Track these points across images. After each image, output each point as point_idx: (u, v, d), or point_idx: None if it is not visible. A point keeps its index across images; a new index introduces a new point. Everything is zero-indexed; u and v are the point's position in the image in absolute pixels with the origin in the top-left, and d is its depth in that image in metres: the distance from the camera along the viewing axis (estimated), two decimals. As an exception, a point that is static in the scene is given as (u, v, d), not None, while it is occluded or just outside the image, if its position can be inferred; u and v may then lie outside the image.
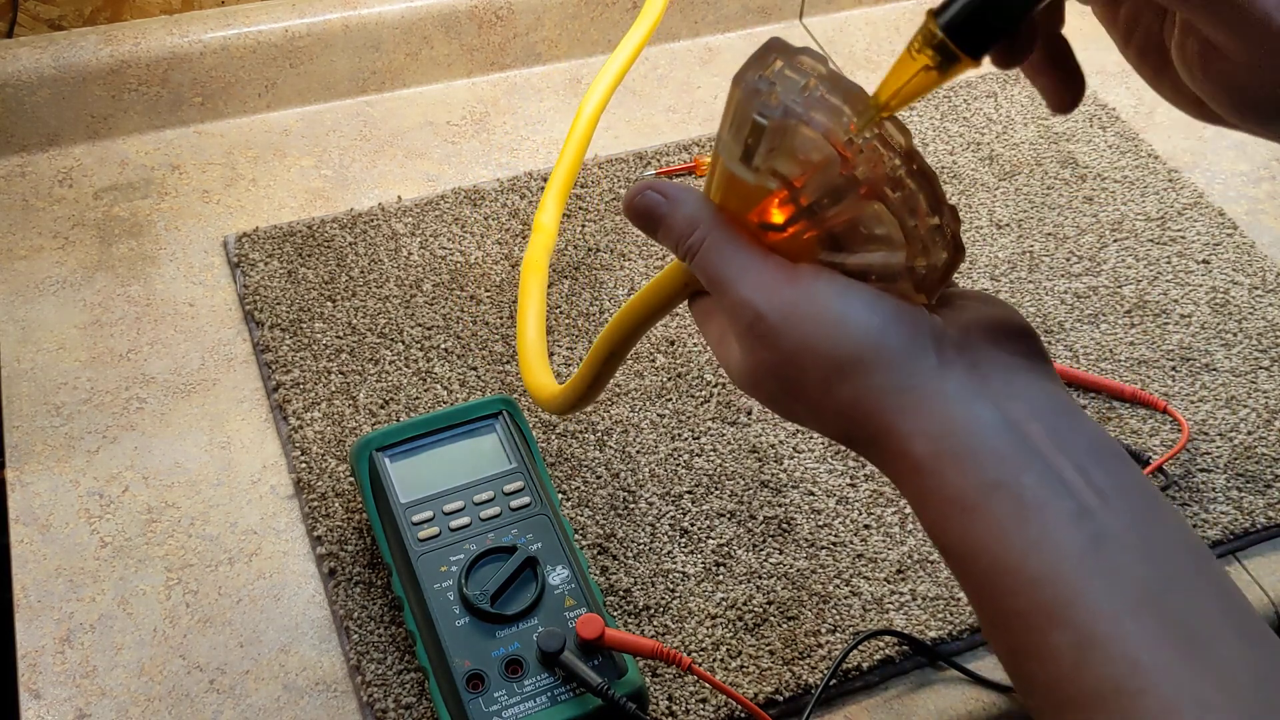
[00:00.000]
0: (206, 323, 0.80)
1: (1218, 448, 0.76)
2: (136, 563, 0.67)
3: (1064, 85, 0.44)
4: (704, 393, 0.77)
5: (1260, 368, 0.81)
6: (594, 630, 0.59)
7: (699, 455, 0.74)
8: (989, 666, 0.65)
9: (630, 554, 0.69)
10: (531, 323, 0.69)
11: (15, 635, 0.64)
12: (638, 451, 0.74)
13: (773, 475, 0.73)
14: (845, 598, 0.67)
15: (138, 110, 0.91)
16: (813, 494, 0.72)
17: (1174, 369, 0.80)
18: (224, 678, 0.63)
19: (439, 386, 0.76)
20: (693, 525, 0.70)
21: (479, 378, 0.77)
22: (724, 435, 0.75)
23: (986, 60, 0.39)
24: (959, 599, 0.68)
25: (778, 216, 0.41)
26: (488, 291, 0.82)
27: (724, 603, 0.67)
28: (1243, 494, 0.73)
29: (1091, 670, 0.34)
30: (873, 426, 0.40)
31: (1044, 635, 0.35)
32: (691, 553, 0.69)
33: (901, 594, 0.68)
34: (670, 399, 0.77)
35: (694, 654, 0.65)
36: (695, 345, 0.80)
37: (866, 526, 0.71)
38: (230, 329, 0.80)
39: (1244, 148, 0.99)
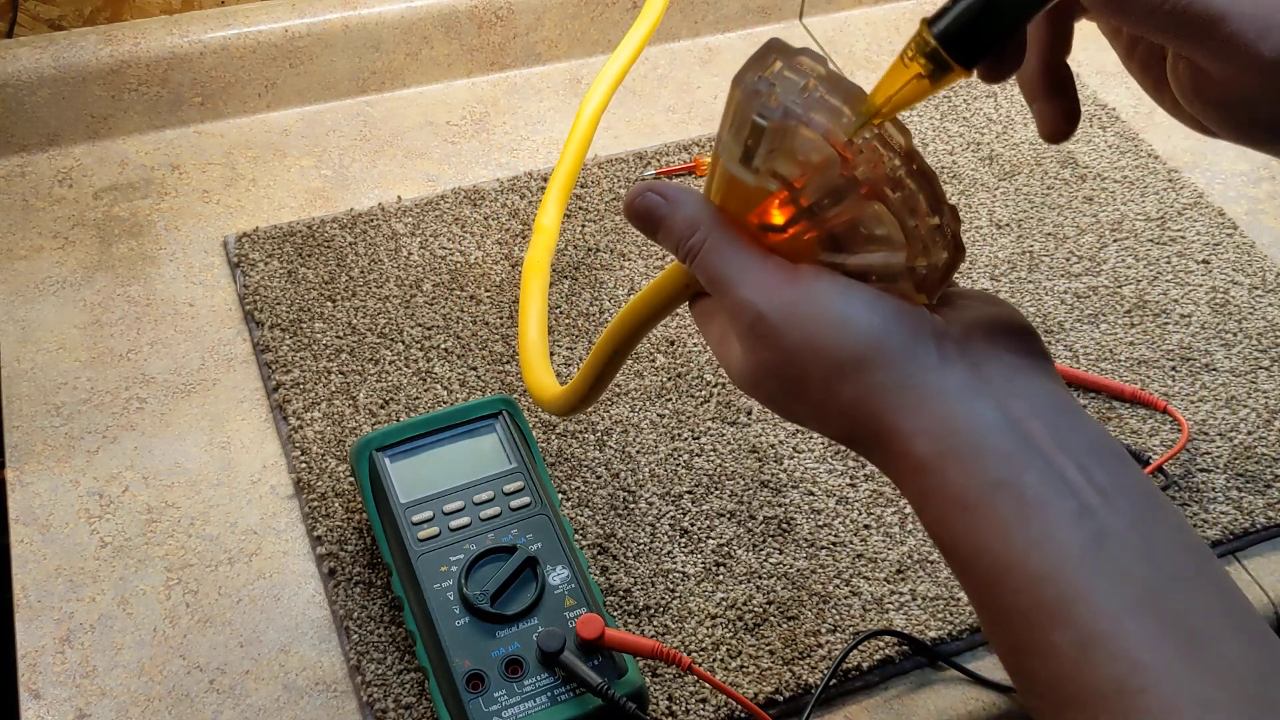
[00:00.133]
0: (206, 323, 0.80)
1: (1218, 448, 0.76)
2: (136, 563, 0.67)
3: (1061, 113, 0.44)
4: (704, 393, 0.77)
5: (1260, 368, 0.81)
6: (594, 630, 0.59)
7: (699, 455, 0.74)
8: (989, 666, 0.65)
9: (630, 554, 0.69)
10: (533, 323, 0.69)
11: (15, 635, 0.64)
12: (638, 451, 0.74)
13: (773, 475, 0.73)
14: (845, 598, 0.67)
15: (138, 110, 0.91)
16: (813, 494, 0.72)
17: (1174, 369, 0.80)
18: (224, 678, 0.63)
19: (439, 386, 0.76)
20: (693, 525, 0.70)
21: (479, 378, 0.77)
22: (724, 435, 0.75)
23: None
24: (959, 599, 0.68)
25: (778, 217, 0.41)
26: (488, 291, 0.82)
27: (724, 603, 0.67)
28: (1243, 494, 0.73)
29: (1093, 669, 0.34)
30: (874, 426, 0.40)
31: (1045, 634, 0.35)
32: (691, 553, 0.69)
33: (901, 594, 0.68)
34: (670, 399, 0.77)
35: (694, 654, 0.65)
36: (695, 345, 0.80)
37: (866, 526, 0.71)
38: (230, 329, 0.80)
39: (1244, 148, 0.98)
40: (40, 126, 0.89)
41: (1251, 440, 0.76)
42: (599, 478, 0.72)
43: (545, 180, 0.90)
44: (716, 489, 0.72)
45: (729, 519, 0.71)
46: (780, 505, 0.71)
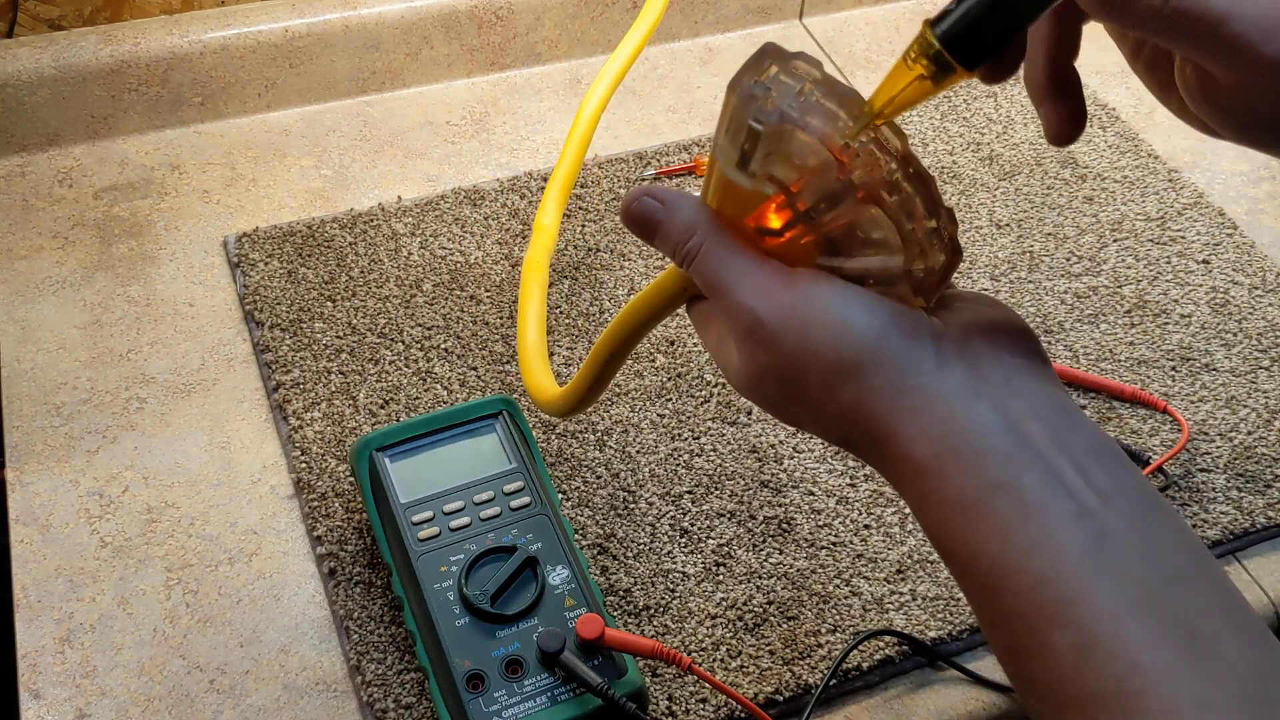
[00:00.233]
0: (206, 323, 0.80)
1: (1218, 448, 0.76)
2: (136, 563, 0.67)
3: (1067, 116, 0.44)
4: (704, 393, 0.77)
5: (1260, 368, 0.81)
6: (594, 630, 0.59)
7: (699, 455, 0.74)
8: (989, 666, 0.66)
9: (630, 554, 0.69)
10: (532, 324, 0.69)
11: (15, 635, 0.64)
12: (638, 451, 0.74)
13: (773, 475, 0.73)
14: (845, 598, 0.67)
15: (138, 110, 0.91)
16: (813, 494, 0.72)
17: (1174, 369, 0.80)
18: (224, 678, 0.63)
19: (439, 386, 0.76)
20: (693, 525, 0.70)
21: (479, 378, 0.77)
22: (724, 435, 0.75)
23: None
24: (959, 599, 0.68)
25: (775, 221, 0.41)
26: (488, 291, 0.82)
27: (724, 603, 0.67)
28: (1243, 494, 0.73)
29: (1092, 671, 0.34)
30: (873, 429, 0.40)
31: (1045, 636, 0.35)
32: (691, 553, 0.69)
33: (901, 594, 0.68)
34: (670, 399, 0.77)
35: (694, 654, 0.65)
36: (695, 345, 0.80)
37: (866, 526, 0.71)
38: (230, 329, 0.80)
39: (1244, 149, 0.98)
40: (40, 126, 0.89)
41: (1251, 440, 0.76)
42: (599, 478, 0.72)
43: (545, 180, 0.90)
44: (716, 489, 0.72)
45: (729, 519, 0.71)
46: (780, 505, 0.71)
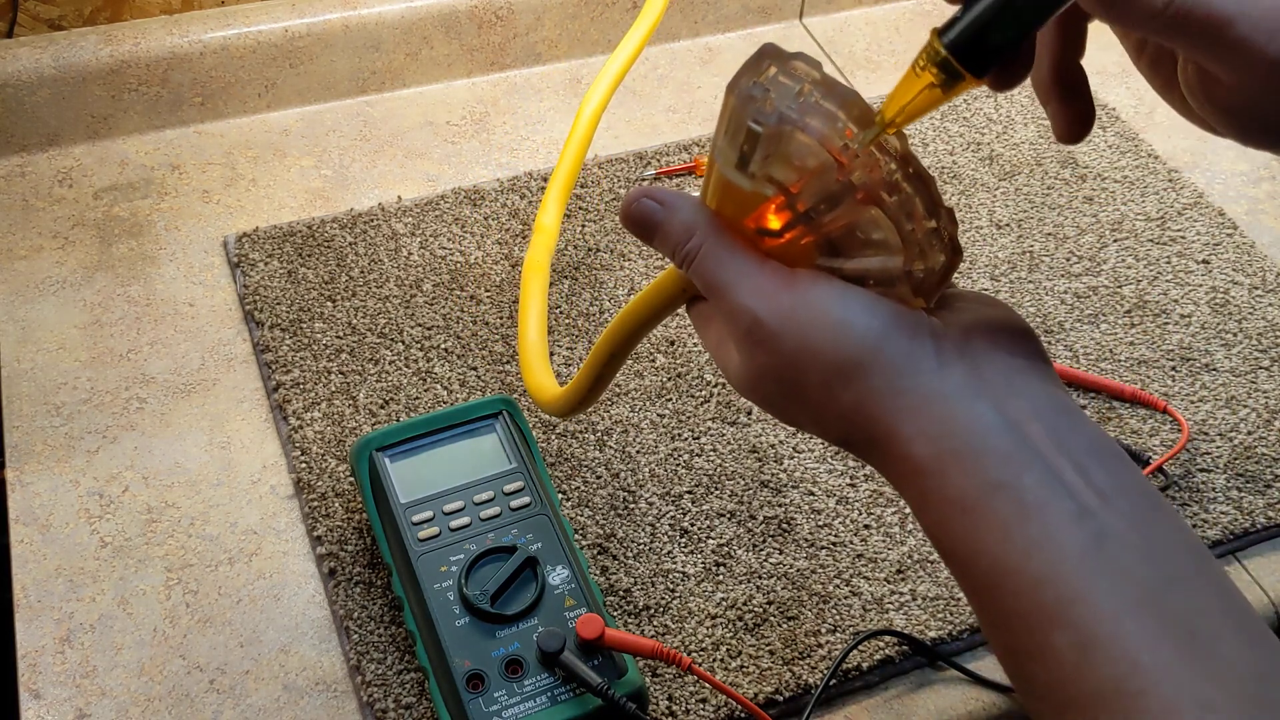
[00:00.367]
0: (206, 323, 0.80)
1: (1218, 448, 0.76)
2: (136, 563, 0.67)
3: (1075, 116, 0.44)
4: (704, 393, 0.77)
5: (1260, 368, 0.81)
6: (594, 630, 0.59)
7: (699, 455, 0.74)
8: (989, 666, 0.66)
9: (630, 554, 0.69)
10: (533, 324, 0.69)
11: (15, 635, 0.64)
12: (638, 451, 0.74)
13: (773, 475, 0.73)
14: (845, 598, 0.67)
15: (138, 110, 0.91)
16: (813, 494, 0.72)
17: (1174, 369, 0.80)
18: (224, 678, 0.63)
19: (439, 386, 0.76)
20: (693, 525, 0.70)
21: (479, 378, 0.77)
22: (724, 435, 0.75)
23: None
24: (959, 599, 0.68)
25: (774, 222, 0.41)
26: (488, 291, 0.82)
27: (724, 603, 0.67)
28: (1243, 494, 0.73)
29: (1092, 671, 0.34)
30: (873, 429, 0.40)
31: (1045, 636, 0.35)
32: (691, 553, 0.69)
33: (901, 594, 0.68)
34: (670, 399, 0.77)
35: (694, 654, 0.65)
36: (695, 345, 0.80)
37: (866, 526, 0.71)
38: (230, 329, 0.80)
39: (1244, 148, 0.98)
40: (40, 126, 0.89)
41: (1251, 440, 0.76)
42: (599, 478, 0.72)
43: (545, 180, 0.90)
44: (716, 489, 0.72)
45: (729, 519, 0.71)
46: (780, 505, 0.71)
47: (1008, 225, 0.90)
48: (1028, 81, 0.42)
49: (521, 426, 0.68)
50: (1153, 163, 0.96)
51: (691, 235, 0.43)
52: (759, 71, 0.40)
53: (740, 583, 0.68)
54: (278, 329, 0.78)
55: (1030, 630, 0.36)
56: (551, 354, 0.78)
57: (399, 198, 0.89)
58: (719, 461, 0.73)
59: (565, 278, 0.84)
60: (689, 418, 0.76)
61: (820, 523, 0.71)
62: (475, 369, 0.77)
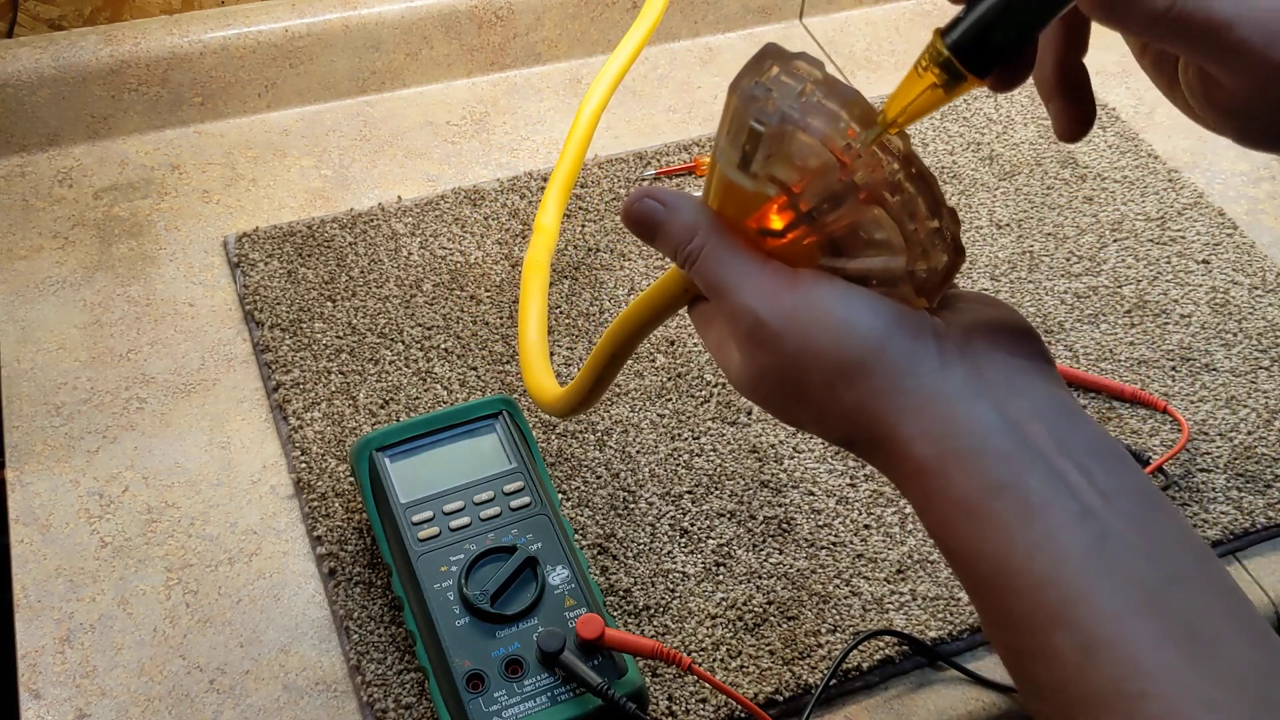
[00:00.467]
0: (206, 323, 0.80)
1: (1218, 448, 0.76)
2: (136, 563, 0.67)
3: (1076, 114, 0.44)
4: (704, 393, 0.77)
5: (1260, 368, 0.81)
6: (594, 630, 0.59)
7: (699, 455, 0.74)
8: (989, 666, 0.66)
9: (630, 554, 0.69)
10: (533, 324, 0.69)
11: (15, 635, 0.64)
12: (638, 451, 0.74)
13: (773, 475, 0.73)
14: (845, 598, 0.67)
15: (138, 110, 0.91)
16: (813, 494, 0.72)
17: (1174, 369, 0.80)
18: (224, 678, 0.63)
19: (439, 386, 0.76)
20: (693, 525, 0.70)
21: (479, 378, 0.77)
22: (724, 435, 0.75)
23: None
24: (959, 599, 0.68)
25: (776, 222, 0.41)
26: (488, 291, 0.82)
27: (724, 603, 0.67)
28: (1243, 494, 0.73)
29: (1095, 672, 0.34)
30: (875, 429, 0.40)
31: (1047, 637, 0.35)
32: (691, 553, 0.69)
33: (901, 594, 0.68)
34: (670, 399, 0.77)
35: (694, 654, 0.65)
36: (695, 345, 0.80)
37: (866, 526, 0.71)
38: (230, 329, 0.80)
39: (1244, 148, 0.98)
40: (40, 126, 0.89)
41: (1251, 440, 0.76)
42: (599, 478, 0.72)
43: (545, 180, 0.90)
44: (716, 489, 0.72)
45: (729, 519, 0.71)
46: (780, 505, 0.71)
47: (1008, 225, 0.90)
48: (1028, 81, 0.42)
49: (521, 426, 0.68)
50: (1153, 163, 0.96)
51: (693, 236, 0.43)
52: (761, 71, 0.40)
53: (740, 583, 0.68)
54: (278, 329, 0.78)
55: (1033, 631, 0.36)
56: (551, 354, 0.78)
57: (399, 198, 0.89)
58: (719, 461, 0.73)
59: (565, 278, 0.84)
60: (689, 418, 0.76)
61: (820, 523, 0.71)
62: (475, 369, 0.77)
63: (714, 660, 0.65)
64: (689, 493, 0.72)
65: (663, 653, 0.59)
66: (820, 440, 0.75)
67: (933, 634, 0.66)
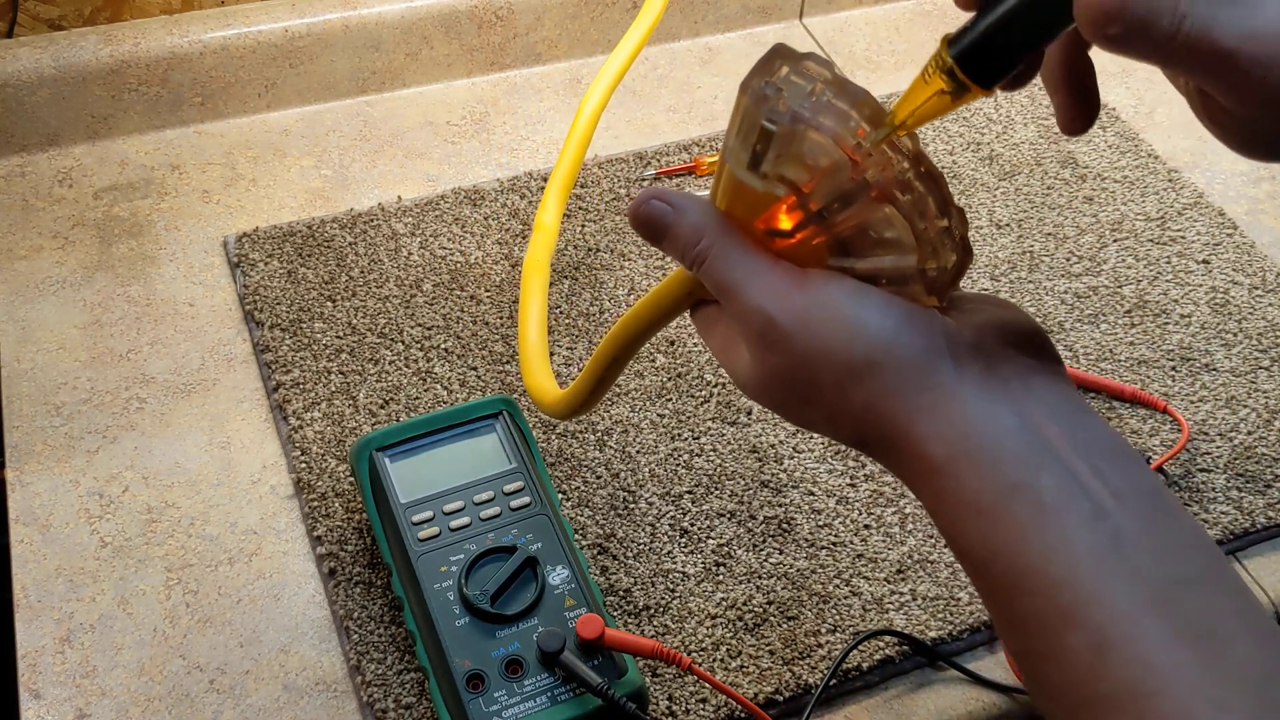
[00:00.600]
0: (206, 323, 0.80)
1: (1218, 448, 0.76)
2: (136, 563, 0.67)
3: (1080, 107, 0.44)
4: (704, 393, 0.77)
5: (1260, 368, 0.81)
6: (594, 630, 0.59)
7: (699, 455, 0.74)
8: (989, 666, 0.66)
9: (630, 554, 0.69)
10: (533, 325, 0.69)
11: (15, 635, 0.64)
12: (638, 451, 0.74)
13: (773, 475, 0.73)
14: (845, 598, 0.67)
15: (138, 110, 0.91)
16: (813, 494, 0.72)
17: (1174, 369, 0.80)
18: (224, 678, 0.63)
19: (439, 386, 0.76)
20: (693, 525, 0.70)
21: (479, 378, 0.77)
22: (724, 435, 0.75)
23: None
24: (959, 599, 0.68)
25: (786, 222, 0.41)
26: (488, 291, 0.82)
27: (724, 603, 0.67)
28: (1243, 494, 0.73)
29: (1108, 672, 0.34)
30: (887, 430, 0.40)
31: (1060, 637, 0.35)
32: (691, 553, 0.69)
33: (901, 594, 0.68)
34: (670, 399, 0.77)
35: (694, 654, 0.65)
36: (695, 345, 0.80)
37: (866, 526, 0.71)
38: (230, 329, 0.80)
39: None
40: (40, 126, 0.89)
41: (1251, 440, 0.76)
42: (599, 478, 0.72)
43: (545, 180, 0.90)
44: (716, 489, 0.72)
45: (729, 519, 0.71)
46: (780, 505, 0.71)
47: (1008, 225, 0.90)
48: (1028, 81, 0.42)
49: (521, 426, 0.68)
50: (1153, 163, 0.96)
51: (702, 237, 0.43)
52: (771, 71, 0.40)
53: (740, 583, 0.68)
54: (278, 329, 0.78)
55: (1045, 631, 0.36)
56: (551, 354, 0.78)
57: (399, 198, 0.89)
58: (719, 461, 0.73)
59: (565, 278, 0.84)
60: (689, 418, 0.76)
61: (820, 523, 0.71)
62: (475, 369, 0.77)
63: (714, 660, 0.65)
64: (689, 493, 0.72)
65: (663, 653, 0.59)
66: (820, 440, 0.75)
67: (933, 634, 0.66)
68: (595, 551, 0.69)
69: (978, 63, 0.38)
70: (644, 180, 0.91)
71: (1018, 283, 0.86)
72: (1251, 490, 0.74)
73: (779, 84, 0.40)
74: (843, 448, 0.74)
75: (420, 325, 0.79)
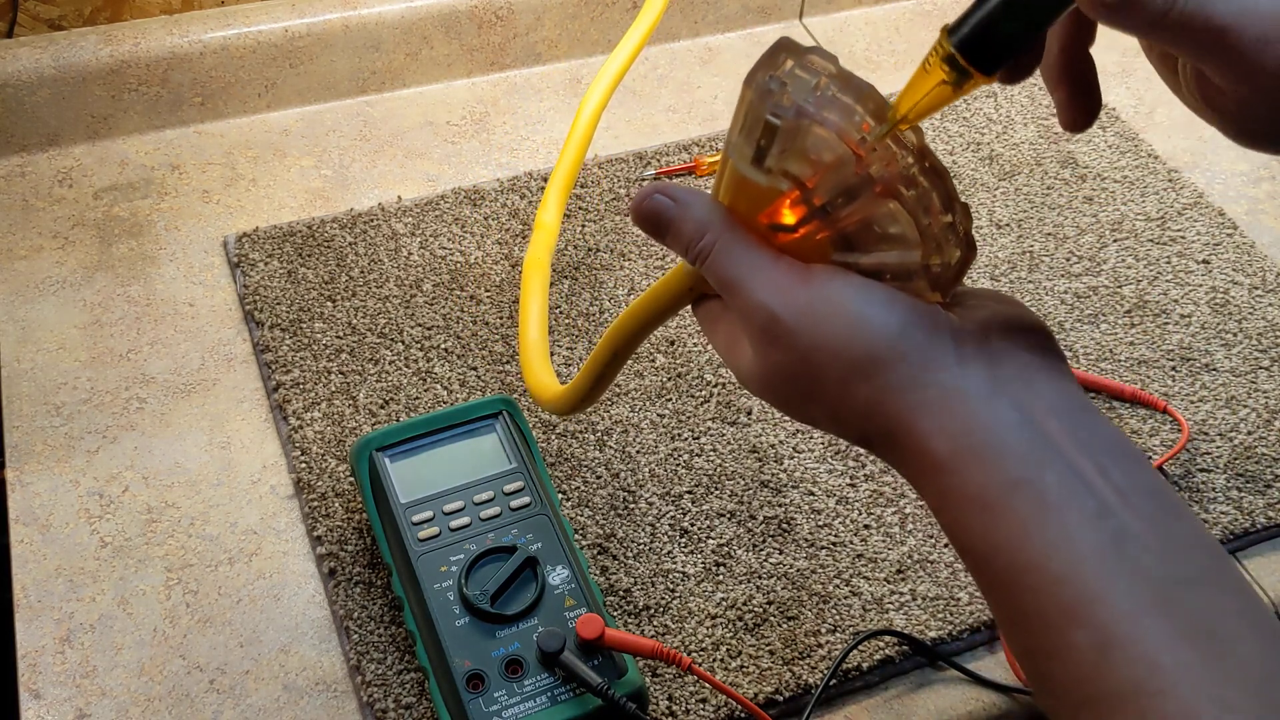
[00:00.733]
0: (206, 323, 0.80)
1: (1218, 448, 0.76)
2: (136, 563, 0.67)
3: (1081, 103, 0.44)
4: (704, 393, 0.77)
5: (1260, 368, 0.81)
6: (594, 630, 0.59)
7: (699, 455, 0.74)
8: (989, 666, 0.65)
9: (630, 554, 0.69)
10: (534, 322, 0.69)
11: (15, 635, 0.64)
12: (638, 451, 0.74)
13: (773, 475, 0.73)
14: (845, 598, 0.67)
15: (138, 110, 0.91)
16: (813, 494, 0.72)
17: (1174, 369, 0.80)
18: (224, 678, 0.63)
19: (439, 386, 0.76)
20: (693, 525, 0.70)
21: (479, 378, 0.77)
22: (724, 435, 0.75)
23: None
24: (959, 599, 0.68)
25: (789, 217, 0.41)
26: (488, 291, 0.82)
27: (724, 603, 0.67)
28: (1243, 494, 0.73)
29: (1111, 671, 0.34)
30: (891, 425, 0.40)
31: (1063, 635, 0.35)
32: (691, 553, 0.69)
33: (901, 594, 0.68)
34: (670, 399, 0.77)
35: (694, 654, 0.65)
36: (695, 345, 0.80)
37: (866, 526, 0.71)
38: (230, 329, 0.80)
39: (1245, 148, 0.98)
40: (40, 126, 0.89)
41: (1251, 440, 0.76)
42: (599, 478, 0.72)
43: (545, 180, 0.90)
44: (716, 489, 0.72)
45: (729, 519, 0.71)
46: (780, 505, 0.71)
47: (1008, 225, 0.90)
48: (1028, 81, 0.42)
49: (521, 426, 0.68)
50: (1153, 163, 0.96)
51: (705, 232, 0.42)
52: (776, 65, 0.40)
53: (740, 583, 0.68)
54: (278, 329, 0.78)
55: (1049, 629, 0.36)
56: (551, 354, 0.78)
57: (399, 198, 0.89)
58: (719, 461, 0.73)
59: (565, 278, 0.84)
60: (689, 418, 0.76)
61: (820, 523, 0.71)
62: (475, 369, 0.77)
63: (714, 660, 0.64)
64: (689, 493, 0.72)
65: (663, 653, 0.59)
66: (820, 440, 0.75)
67: (933, 634, 0.66)
68: (595, 551, 0.69)
69: (979, 49, 0.38)
70: (644, 180, 0.91)
71: (1018, 283, 0.86)
72: (1251, 490, 0.74)
73: (783, 78, 0.40)
74: (843, 448, 0.74)
75: (420, 325, 0.79)
